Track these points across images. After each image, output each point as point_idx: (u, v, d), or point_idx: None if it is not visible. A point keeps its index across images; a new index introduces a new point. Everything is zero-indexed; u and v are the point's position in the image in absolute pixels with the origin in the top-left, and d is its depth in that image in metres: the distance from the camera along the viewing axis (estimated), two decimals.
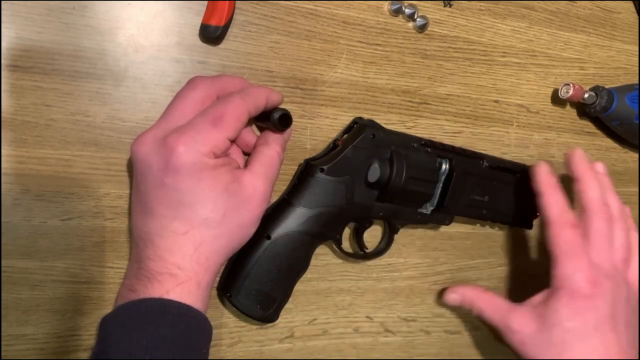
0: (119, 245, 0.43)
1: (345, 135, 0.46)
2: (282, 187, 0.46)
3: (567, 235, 0.45)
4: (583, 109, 0.57)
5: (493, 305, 0.47)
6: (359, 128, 0.45)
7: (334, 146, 0.46)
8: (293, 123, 0.42)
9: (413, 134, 0.48)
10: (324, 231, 0.44)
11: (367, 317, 0.52)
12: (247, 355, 0.47)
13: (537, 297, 0.46)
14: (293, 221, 0.43)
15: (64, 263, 0.41)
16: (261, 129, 0.45)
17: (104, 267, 0.42)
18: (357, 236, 0.49)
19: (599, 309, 0.43)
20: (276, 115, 0.41)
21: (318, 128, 0.48)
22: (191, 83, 0.39)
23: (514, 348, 0.45)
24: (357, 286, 0.51)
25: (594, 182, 0.47)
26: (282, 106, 0.43)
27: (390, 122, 0.50)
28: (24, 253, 0.40)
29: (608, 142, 0.61)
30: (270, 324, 0.47)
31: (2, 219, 0.40)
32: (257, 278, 0.42)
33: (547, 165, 0.49)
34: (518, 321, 0.45)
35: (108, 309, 0.43)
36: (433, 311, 0.54)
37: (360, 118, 0.47)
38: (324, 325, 0.50)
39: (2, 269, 0.40)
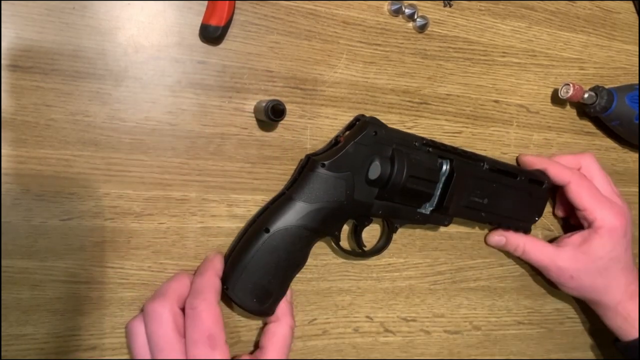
0: (119, 245, 0.43)
1: (347, 132, 0.46)
2: (279, 183, 0.46)
3: (587, 186, 0.53)
4: (583, 109, 0.57)
5: (538, 248, 0.54)
6: (361, 125, 0.45)
7: (335, 142, 0.46)
8: (293, 123, 0.42)
9: (415, 133, 0.48)
10: (322, 227, 0.44)
11: (367, 317, 0.52)
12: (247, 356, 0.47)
13: (575, 238, 0.53)
14: (292, 215, 0.42)
15: (64, 263, 0.41)
16: (261, 122, 0.45)
17: (104, 267, 0.42)
18: (356, 234, 0.49)
19: (627, 234, 0.52)
20: (269, 105, 0.41)
21: (318, 128, 0.48)
22: (153, 315, 0.39)
23: (560, 283, 0.54)
24: (357, 286, 0.51)
25: (559, 155, 0.56)
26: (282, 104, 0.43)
27: (390, 122, 0.50)
28: (24, 253, 0.40)
29: (608, 142, 0.61)
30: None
31: (2, 219, 0.40)
32: (254, 271, 0.42)
33: (525, 154, 0.56)
34: (566, 260, 0.52)
35: (108, 309, 0.43)
36: (433, 311, 0.54)
37: (363, 115, 0.47)
38: (324, 325, 0.50)
39: (2, 269, 0.40)
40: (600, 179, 0.54)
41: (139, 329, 0.40)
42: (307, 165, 0.44)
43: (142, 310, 0.42)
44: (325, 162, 0.43)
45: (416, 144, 0.47)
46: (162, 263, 0.44)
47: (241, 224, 0.46)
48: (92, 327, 0.43)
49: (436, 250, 0.54)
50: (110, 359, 0.43)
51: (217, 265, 0.43)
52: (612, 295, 0.53)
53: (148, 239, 0.43)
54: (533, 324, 0.59)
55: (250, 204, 0.46)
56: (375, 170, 0.44)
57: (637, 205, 0.63)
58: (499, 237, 0.54)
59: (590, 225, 0.53)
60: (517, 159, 0.56)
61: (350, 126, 0.47)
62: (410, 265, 0.53)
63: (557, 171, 0.53)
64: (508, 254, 0.57)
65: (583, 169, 0.55)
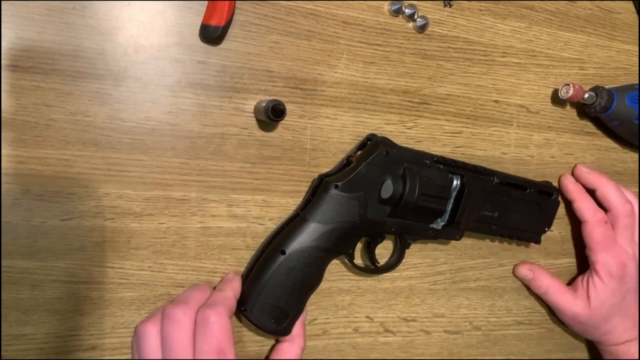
0: (119, 245, 0.43)
1: (359, 152, 0.47)
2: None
3: (600, 231, 0.54)
4: (583, 109, 0.57)
5: (560, 294, 0.56)
6: (372, 145, 0.46)
7: (347, 162, 0.46)
8: (293, 123, 0.42)
9: (426, 151, 0.48)
10: (337, 247, 0.44)
11: (367, 317, 0.52)
12: (247, 355, 0.47)
13: (584, 282, 0.55)
14: (307, 236, 0.43)
15: (64, 263, 0.41)
16: (261, 122, 0.45)
17: (104, 267, 0.42)
18: (369, 251, 0.49)
19: (626, 284, 0.54)
20: (269, 105, 0.42)
21: (318, 128, 0.48)
22: (174, 319, 0.40)
23: (570, 325, 0.57)
24: (357, 286, 0.51)
25: (611, 185, 0.56)
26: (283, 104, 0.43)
27: (390, 122, 0.50)
28: (24, 253, 0.40)
29: (608, 142, 0.61)
30: None
31: (2, 219, 0.40)
32: (271, 292, 0.43)
33: (571, 176, 0.58)
34: (581, 307, 0.55)
35: (108, 309, 0.43)
36: (433, 311, 0.54)
37: (374, 135, 0.47)
38: (324, 325, 0.50)
39: (2, 269, 0.40)
40: (624, 229, 0.55)
41: (151, 331, 0.40)
42: (321, 187, 0.44)
43: (151, 313, 0.43)
44: (339, 184, 0.44)
45: (427, 161, 0.47)
46: (162, 263, 0.44)
47: (241, 224, 0.46)
48: (92, 327, 0.43)
49: (436, 250, 0.54)
50: (110, 359, 0.43)
51: (235, 286, 0.44)
52: (609, 338, 0.56)
53: (148, 239, 0.43)
54: (533, 324, 0.59)
55: (250, 204, 0.46)
56: (387, 189, 0.45)
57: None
58: (528, 271, 0.56)
59: (592, 266, 0.55)
60: (559, 178, 0.58)
61: (361, 146, 0.47)
62: (410, 265, 0.53)
63: (581, 207, 0.55)
64: (507, 258, 0.57)
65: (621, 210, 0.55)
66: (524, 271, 0.56)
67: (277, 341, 0.47)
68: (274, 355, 0.46)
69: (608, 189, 0.56)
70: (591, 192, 0.57)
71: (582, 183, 0.58)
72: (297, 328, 0.45)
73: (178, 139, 0.43)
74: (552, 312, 0.58)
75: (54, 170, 0.41)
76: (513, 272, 0.57)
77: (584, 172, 0.57)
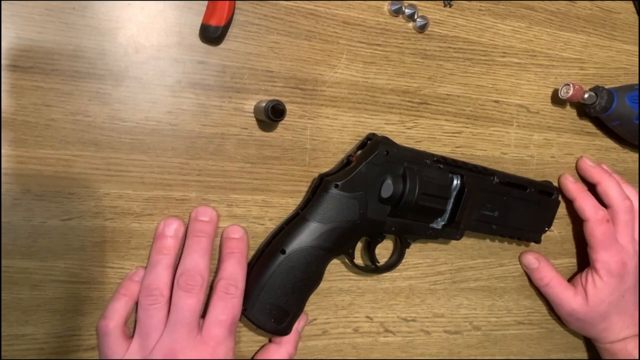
0: (119, 245, 0.43)
1: (359, 152, 0.47)
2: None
3: (602, 230, 0.54)
4: (583, 109, 0.57)
5: (561, 288, 0.56)
6: (373, 144, 0.46)
7: (347, 162, 0.46)
8: (293, 123, 0.42)
9: (426, 151, 0.48)
10: (337, 246, 0.44)
11: (367, 317, 0.52)
12: (247, 355, 0.47)
13: (584, 279, 0.56)
14: (307, 236, 0.43)
15: (64, 263, 0.41)
16: (261, 122, 0.45)
17: (104, 267, 0.42)
18: (369, 250, 0.49)
19: (626, 282, 0.55)
20: (269, 105, 0.42)
21: (318, 128, 0.48)
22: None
23: (567, 321, 0.58)
24: (357, 286, 0.51)
25: (612, 181, 0.56)
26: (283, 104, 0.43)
27: (390, 122, 0.50)
28: (24, 253, 0.40)
29: (608, 142, 0.61)
30: None
31: (2, 219, 0.40)
32: (271, 292, 0.43)
33: (570, 176, 0.57)
34: (579, 304, 0.55)
35: None
36: (433, 311, 0.54)
37: (374, 134, 0.48)
38: (324, 325, 0.50)
39: (2, 269, 0.40)
40: (624, 225, 0.55)
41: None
42: (321, 186, 0.44)
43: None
44: (339, 183, 0.44)
45: (427, 161, 0.47)
46: None
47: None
48: (92, 327, 0.43)
49: (436, 250, 0.54)
50: None
51: (246, 250, 0.44)
52: (606, 335, 0.56)
53: (148, 239, 0.43)
54: (533, 324, 0.59)
55: (250, 204, 0.46)
56: (387, 188, 0.45)
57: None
58: (534, 259, 0.56)
59: (592, 264, 0.55)
60: (559, 179, 0.58)
61: (362, 145, 0.47)
62: (410, 265, 0.53)
63: (582, 206, 0.55)
64: (507, 258, 0.57)
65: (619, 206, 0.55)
66: (530, 259, 0.56)
67: (269, 340, 0.47)
68: (258, 355, 0.46)
69: (609, 185, 0.56)
70: (593, 187, 0.57)
71: (584, 176, 0.58)
72: (290, 334, 0.45)
73: (178, 139, 0.43)
74: (551, 309, 0.59)
75: (54, 170, 0.41)
76: (519, 260, 0.57)
77: (588, 165, 0.58)
